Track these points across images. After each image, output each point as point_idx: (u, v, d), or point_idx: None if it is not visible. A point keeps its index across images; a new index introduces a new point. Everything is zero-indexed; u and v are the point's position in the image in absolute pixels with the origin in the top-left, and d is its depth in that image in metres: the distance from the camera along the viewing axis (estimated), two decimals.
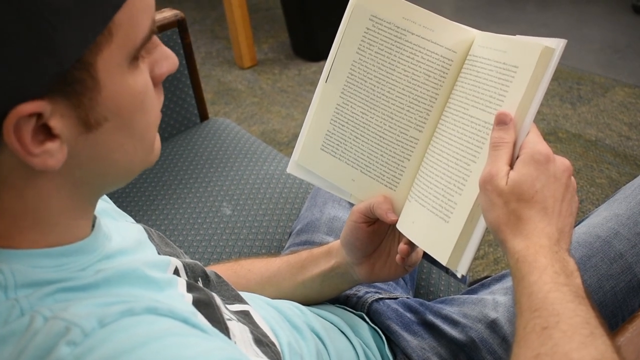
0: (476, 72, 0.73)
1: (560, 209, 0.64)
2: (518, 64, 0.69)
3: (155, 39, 0.55)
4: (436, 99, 0.76)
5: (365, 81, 0.78)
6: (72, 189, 0.53)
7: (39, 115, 0.48)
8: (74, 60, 0.47)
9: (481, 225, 0.70)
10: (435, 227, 0.74)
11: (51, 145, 0.49)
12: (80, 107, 0.49)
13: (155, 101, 0.56)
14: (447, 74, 0.76)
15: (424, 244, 0.76)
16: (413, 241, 0.77)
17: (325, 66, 0.81)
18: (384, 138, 0.79)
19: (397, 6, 0.76)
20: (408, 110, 0.77)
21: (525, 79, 0.67)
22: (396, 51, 0.77)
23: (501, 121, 0.67)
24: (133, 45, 0.50)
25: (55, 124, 0.48)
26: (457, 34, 0.76)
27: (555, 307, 0.57)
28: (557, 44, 0.66)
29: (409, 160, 0.79)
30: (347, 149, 0.80)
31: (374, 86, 0.78)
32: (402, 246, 0.79)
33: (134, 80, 0.52)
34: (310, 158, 0.82)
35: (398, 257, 0.80)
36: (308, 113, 0.82)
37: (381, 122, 0.78)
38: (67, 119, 0.49)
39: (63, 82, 0.47)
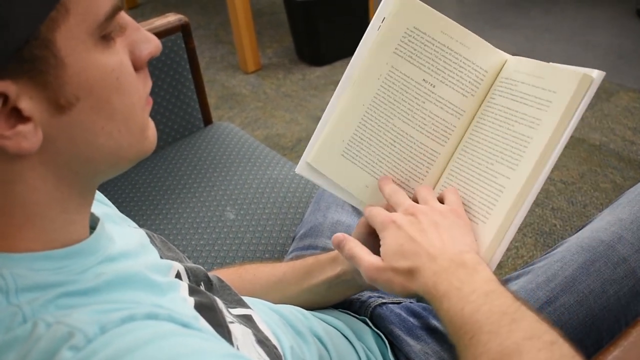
0: (511, 94, 0.75)
1: (432, 238, 0.69)
2: (556, 89, 0.72)
3: (134, 22, 0.54)
4: (462, 114, 0.78)
5: (397, 90, 0.79)
6: (58, 179, 0.53)
7: (5, 98, 0.47)
8: (27, 36, 0.46)
9: (503, 246, 0.73)
10: None
11: (23, 128, 0.48)
12: (48, 87, 0.48)
13: (136, 83, 0.55)
14: (476, 92, 0.78)
15: None
16: None
17: (349, 71, 0.80)
18: (407, 149, 0.80)
19: (435, 20, 0.78)
20: (434, 124, 0.79)
21: (563, 104, 0.71)
22: (431, 63, 0.78)
23: (337, 244, 0.77)
24: (95, 20, 0.50)
25: (25, 105, 0.48)
26: (490, 55, 0.78)
27: (472, 317, 0.61)
28: (596, 74, 0.71)
29: (427, 172, 0.80)
30: (367, 155, 0.81)
31: (404, 96, 0.79)
32: None
33: (105, 58, 0.51)
34: (324, 160, 0.82)
35: None
36: (325, 115, 0.81)
37: (408, 131, 0.79)
38: (37, 100, 0.48)
39: (22, 60, 0.47)
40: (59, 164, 0.52)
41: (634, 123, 2.31)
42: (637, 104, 2.41)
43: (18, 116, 0.48)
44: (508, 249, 1.83)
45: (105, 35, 0.51)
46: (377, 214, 0.75)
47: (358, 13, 2.79)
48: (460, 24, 0.78)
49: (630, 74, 2.58)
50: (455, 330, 0.62)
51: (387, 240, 0.72)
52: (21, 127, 0.48)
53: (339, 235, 0.77)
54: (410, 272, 0.69)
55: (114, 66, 0.52)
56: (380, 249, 0.72)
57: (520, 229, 1.88)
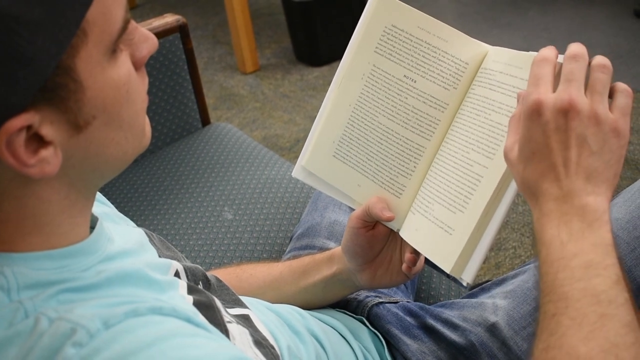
0: (489, 84, 0.75)
1: (570, 157, 0.58)
2: None
3: (132, 23, 0.54)
4: (446, 108, 0.78)
5: (380, 88, 0.79)
6: (68, 189, 0.54)
7: (28, 127, 0.48)
8: (53, 67, 0.47)
9: (489, 235, 0.72)
10: (440, 235, 0.75)
11: (45, 153, 0.49)
12: (68, 111, 0.49)
13: (139, 87, 0.55)
14: (458, 84, 0.78)
15: (428, 252, 0.77)
16: (417, 249, 0.78)
17: (337, 72, 0.81)
18: (393, 145, 0.80)
19: (412, 16, 0.78)
20: (418, 119, 0.79)
21: None
22: (410, 59, 0.78)
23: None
24: (109, 39, 0.50)
25: (46, 131, 0.49)
26: (470, 47, 0.78)
27: (563, 289, 0.55)
28: None
29: (415, 167, 0.80)
30: (357, 154, 0.81)
31: (387, 93, 0.79)
32: (408, 255, 0.80)
33: (116, 72, 0.52)
34: (317, 162, 0.83)
35: (404, 266, 0.81)
36: (317, 118, 0.83)
37: (393, 128, 0.80)
38: (57, 125, 0.49)
39: (45, 90, 0.47)
40: (71, 176, 0.53)
41: (631, 123, 2.31)
42: (634, 104, 2.41)
43: (39, 141, 0.49)
44: (505, 249, 1.83)
45: (114, 49, 0.51)
46: (537, 78, 0.62)
47: (356, 13, 2.79)
48: (458, 24, 0.78)
49: (628, 74, 2.58)
50: (543, 291, 0.57)
51: (524, 136, 0.61)
52: (43, 153, 0.49)
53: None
54: (531, 187, 0.61)
55: (124, 79, 0.52)
56: (519, 136, 0.62)
57: (517, 229, 1.88)
